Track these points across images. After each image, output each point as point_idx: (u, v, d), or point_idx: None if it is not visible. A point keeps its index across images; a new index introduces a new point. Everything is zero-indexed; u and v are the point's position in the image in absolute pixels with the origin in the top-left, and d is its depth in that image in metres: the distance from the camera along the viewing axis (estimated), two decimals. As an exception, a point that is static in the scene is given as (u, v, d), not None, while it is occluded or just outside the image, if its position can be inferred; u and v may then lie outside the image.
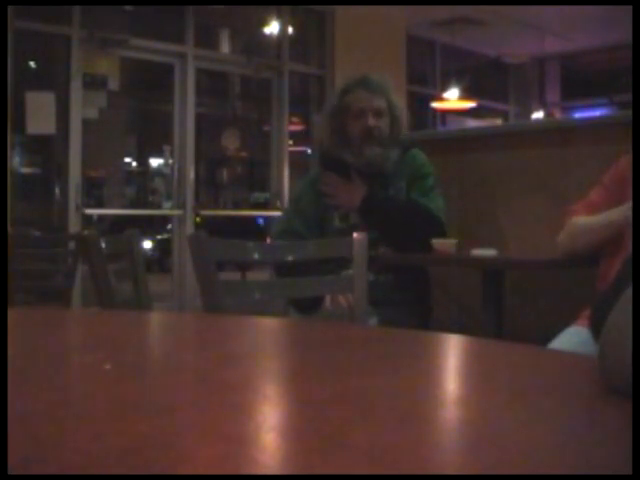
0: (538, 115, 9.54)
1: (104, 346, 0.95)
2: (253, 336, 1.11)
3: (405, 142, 2.58)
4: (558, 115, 9.86)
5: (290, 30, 6.83)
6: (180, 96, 6.02)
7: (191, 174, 6.05)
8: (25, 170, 6.49)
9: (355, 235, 1.68)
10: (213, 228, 6.54)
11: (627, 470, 0.45)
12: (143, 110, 8.73)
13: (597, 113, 7.90)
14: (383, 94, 2.52)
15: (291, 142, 6.81)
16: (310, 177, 2.70)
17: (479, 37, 8.59)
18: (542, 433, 0.55)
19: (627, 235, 1.89)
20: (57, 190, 5.67)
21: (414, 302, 2.52)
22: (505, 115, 10.08)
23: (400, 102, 2.63)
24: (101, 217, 7.74)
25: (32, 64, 6.27)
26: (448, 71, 8.64)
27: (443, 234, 2.43)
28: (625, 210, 1.94)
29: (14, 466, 0.44)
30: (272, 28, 6.89)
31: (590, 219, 2.04)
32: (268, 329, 1.20)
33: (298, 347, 0.99)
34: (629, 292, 0.62)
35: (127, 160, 9.31)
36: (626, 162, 2.02)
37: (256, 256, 1.73)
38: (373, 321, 2.29)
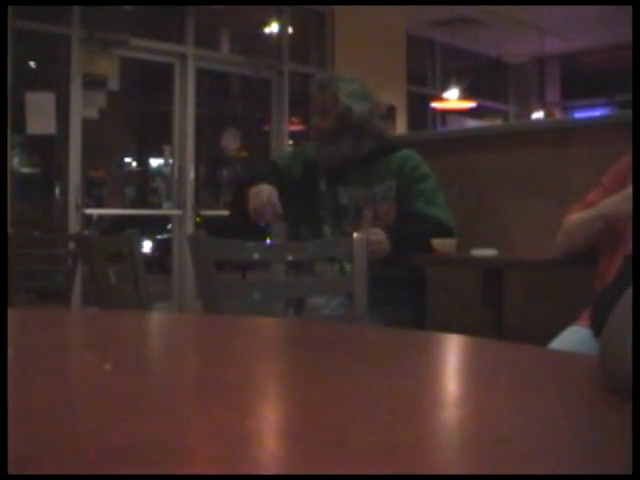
0: (538, 115, 9.53)
1: (104, 346, 0.95)
2: (253, 336, 1.11)
3: (393, 142, 2.59)
4: (558, 115, 9.85)
5: (290, 30, 6.83)
6: (180, 96, 6.02)
7: (191, 174, 6.05)
8: (25, 170, 6.49)
9: (355, 235, 1.68)
10: (213, 228, 6.54)
11: (627, 470, 0.45)
12: (143, 110, 8.72)
13: (597, 113, 7.89)
14: (327, 90, 2.52)
15: (291, 142, 6.81)
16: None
17: (479, 37, 8.59)
18: (542, 433, 0.55)
19: (626, 233, 1.89)
20: (57, 190, 5.67)
21: (407, 301, 2.51)
22: (505, 115, 10.08)
23: (354, 98, 2.51)
24: (101, 217, 7.74)
25: (32, 64, 6.27)
26: (448, 71, 8.64)
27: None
28: (617, 202, 1.93)
29: (14, 466, 0.44)
30: (272, 28, 6.89)
31: (583, 214, 2.04)
32: (268, 329, 1.20)
33: (298, 347, 0.99)
34: (629, 292, 0.62)
35: (127, 160, 9.30)
36: (626, 162, 2.02)
37: (256, 256, 1.73)
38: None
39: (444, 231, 2.38)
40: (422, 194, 2.44)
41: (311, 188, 2.55)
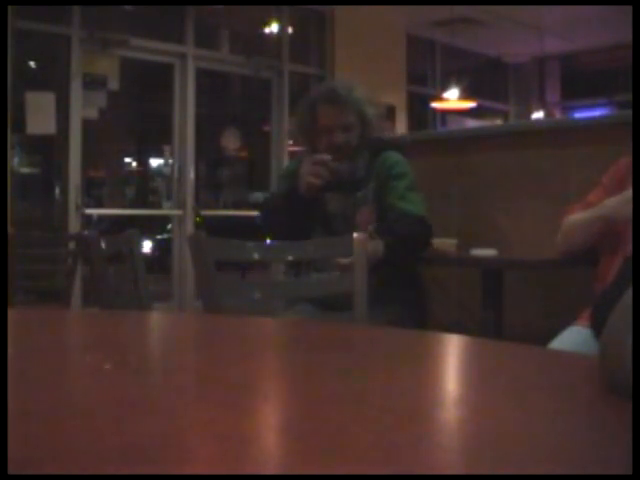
0: (538, 115, 9.53)
1: (104, 346, 0.95)
2: (253, 336, 1.11)
3: (378, 144, 2.50)
4: (558, 115, 9.85)
5: (290, 30, 6.83)
6: (180, 96, 6.02)
7: (191, 174, 6.05)
8: (25, 170, 6.49)
9: (355, 235, 1.68)
10: (213, 228, 6.54)
11: (627, 470, 0.45)
12: (143, 110, 8.72)
13: (597, 113, 7.89)
14: (351, 107, 2.43)
15: (291, 142, 6.82)
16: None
17: (479, 37, 8.59)
18: (542, 433, 0.55)
19: (626, 234, 1.89)
20: (57, 190, 5.67)
21: (407, 301, 2.50)
22: (505, 115, 10.08)
23: (371, 108, 2.49)
24: (101, 217, 7.73)
25: (32, 64, 6.27)
26: (448, 71, 8.64)
27: (427, 229, 2.35)
28: (617, 204, 1.93)
29: (14, 466, 0.44)
30: (272, 28, 6.90)
31: (582, 214, 2.05)
32: (268, 329, 1.20)
33: (298, 347, 0.99)
34: (629, 293, 0.62)
35: (127, 160, 9.29)
36: (625, 163, 2.02)
37: (256, 256, 1.73)
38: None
39: (411, 220, 2.32)
40: (394, 190, 2.38)
41: (298, 200, 2.42)
